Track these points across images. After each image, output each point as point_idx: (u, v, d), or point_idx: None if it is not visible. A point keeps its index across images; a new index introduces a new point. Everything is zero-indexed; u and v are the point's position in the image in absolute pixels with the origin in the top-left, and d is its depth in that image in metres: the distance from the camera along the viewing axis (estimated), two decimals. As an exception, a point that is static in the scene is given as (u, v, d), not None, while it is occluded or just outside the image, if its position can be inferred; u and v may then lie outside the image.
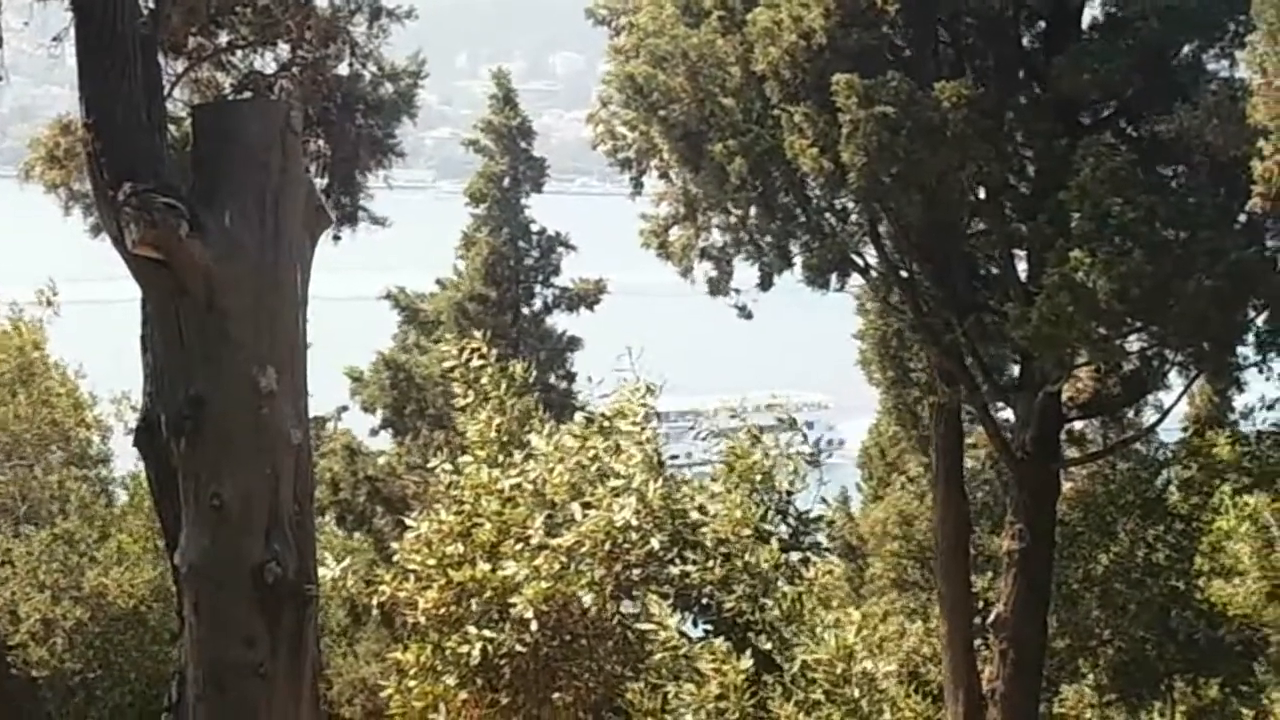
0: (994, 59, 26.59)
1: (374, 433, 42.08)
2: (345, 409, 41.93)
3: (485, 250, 40.56)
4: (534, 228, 41.28)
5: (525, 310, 41.21)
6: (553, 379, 39.26)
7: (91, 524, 31.30)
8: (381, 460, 40.70)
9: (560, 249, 41.34)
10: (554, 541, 15.72)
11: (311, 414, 11.39)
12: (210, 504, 10.32)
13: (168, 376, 11.02)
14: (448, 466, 17.30)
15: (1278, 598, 31.98)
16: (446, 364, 18.19)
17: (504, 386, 17.37)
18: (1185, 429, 33.41)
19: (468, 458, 17.06)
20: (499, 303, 40.52)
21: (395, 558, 16.83)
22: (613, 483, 16.11)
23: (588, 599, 15.45)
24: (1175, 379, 28.30)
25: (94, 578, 29.78)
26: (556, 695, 16.09)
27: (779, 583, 16.24)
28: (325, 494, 38.24)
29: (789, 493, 17.14)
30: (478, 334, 18.02)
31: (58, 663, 29.35)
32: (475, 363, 17.52)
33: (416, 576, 16.27)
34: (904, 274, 28.12)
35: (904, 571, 38.47)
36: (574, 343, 41.11)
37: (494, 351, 17.76)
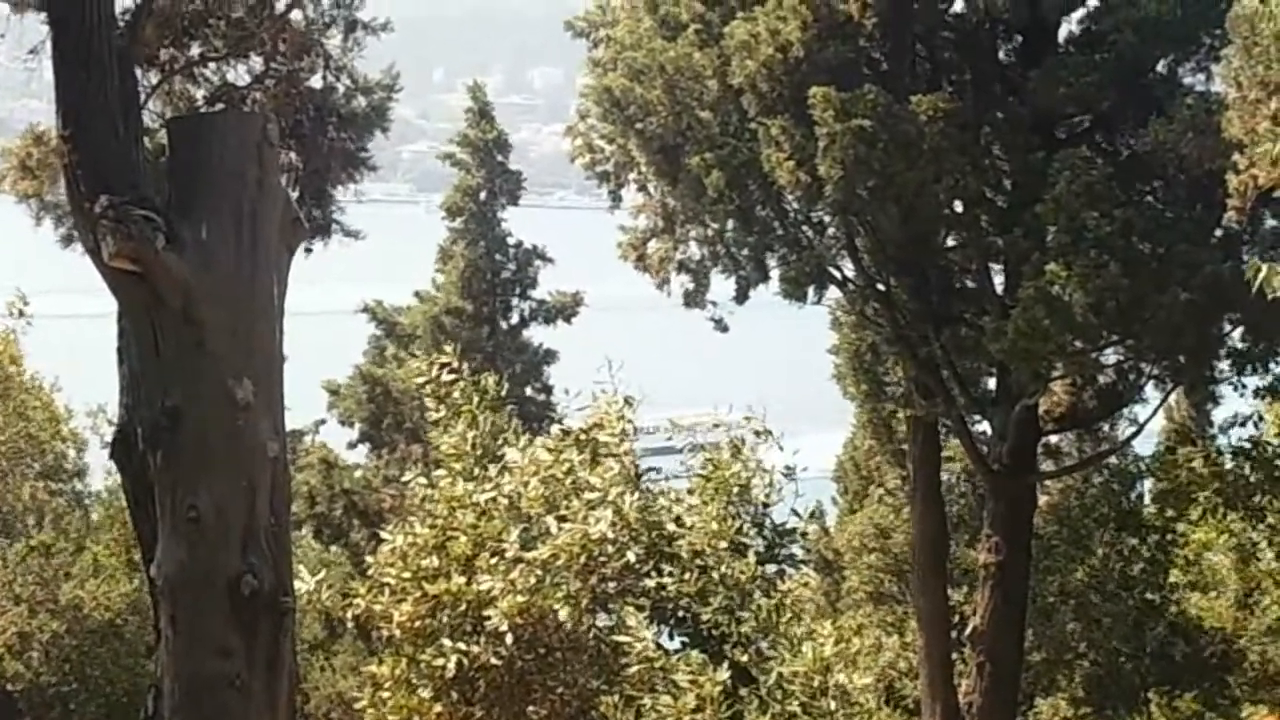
0: (970, 73, 26.67)
1: (351, 446, 42.10)
2: (323, 422, 41.96)
3: (462, 264, 40.63)
4: (511, 241, 41.37)
5: (502, 323, 41.26)
6: (530, 391, 39.32)
7: (67, 537, 31.23)
8: (358, 474, 40.71)
9: (537, 262, 41.44)
10: (529, 555, 15.71)
11: (289, 428, 11.38)
12: (187, 516, 10.30)
13: (144, 388, 11.00)
14: (421, 480, 17.29)
15: (1253, 610, 32.06)
16: (418, 379, 18.17)
17: (476, 400, 17.36)
18: (1160, 443, 33.54)
19: (442, 471, 17.05)
20: (475, 316, 40.60)
21: (369, 571, 16.81)
22: (588, 495, 16.10)
23: (563, 612, 15.44)
24: (1151, 392, 28.39)
25: (70, 591, 29.73)
26: (531, 708, 16.08)
27: (755, 595, 16.25)
28: (302, 507, 38.25)
29: (765, 505, 17.15)
30: (449, 348, 18.00)
31: (34, 676, 29.32)
32: (446, 377, 17.50)
33: (391, 590, 16.26)
34: (881, 287, 28.11)
35: (880, 585, 38.48)
36: (550, 355, 41.15)
37: (466, 366, 17.74)
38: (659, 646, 15.60)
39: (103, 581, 29.96)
